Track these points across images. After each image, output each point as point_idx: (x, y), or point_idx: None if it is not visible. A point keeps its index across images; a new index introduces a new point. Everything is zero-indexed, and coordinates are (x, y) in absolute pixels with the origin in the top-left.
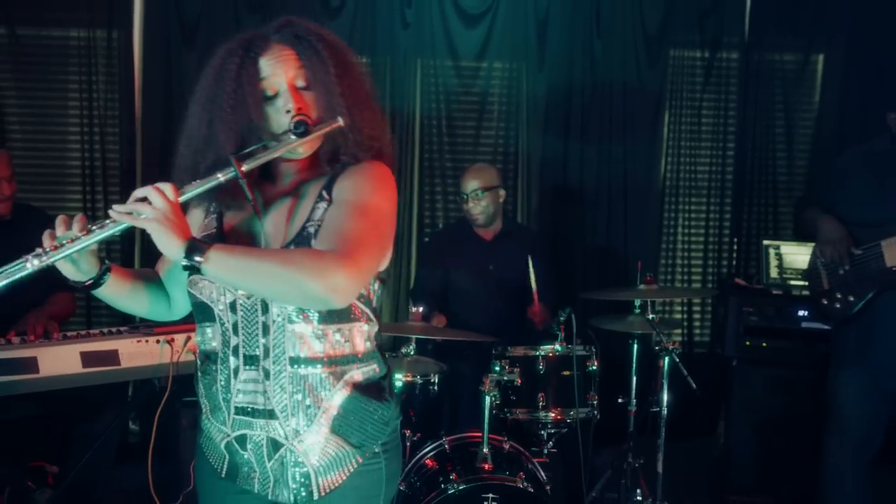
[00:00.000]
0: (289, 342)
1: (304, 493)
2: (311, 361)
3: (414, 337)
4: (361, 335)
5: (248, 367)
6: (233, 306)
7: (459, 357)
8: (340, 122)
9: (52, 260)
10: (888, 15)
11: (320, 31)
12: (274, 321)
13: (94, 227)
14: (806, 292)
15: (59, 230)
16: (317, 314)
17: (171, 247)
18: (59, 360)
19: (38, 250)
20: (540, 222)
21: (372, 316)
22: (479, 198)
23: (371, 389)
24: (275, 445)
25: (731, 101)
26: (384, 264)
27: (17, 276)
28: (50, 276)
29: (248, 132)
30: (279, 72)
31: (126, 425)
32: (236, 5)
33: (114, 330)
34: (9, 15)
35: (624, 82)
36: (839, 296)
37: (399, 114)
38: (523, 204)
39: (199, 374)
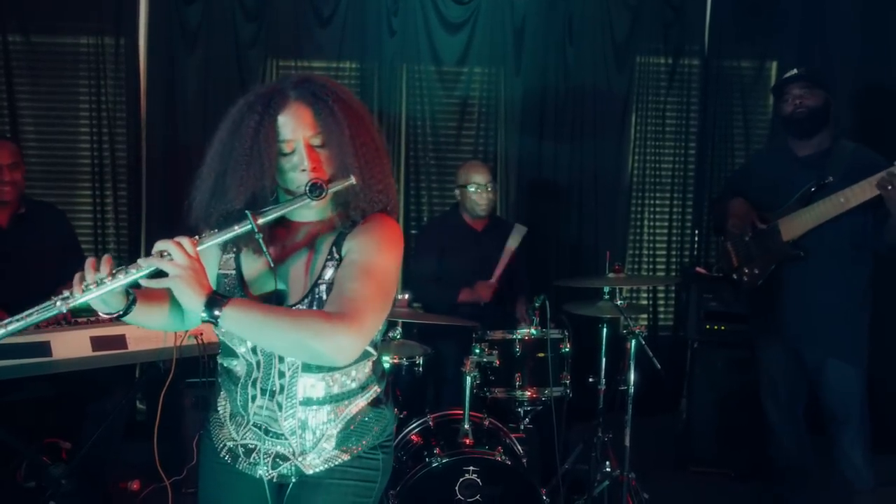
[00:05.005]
0: (300, 387)
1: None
2: (320, 401)
3: (400, 321)
4: (363, 369)
5: (264, 398)
6: (254, 350)
7: (443, 340)
8: (353, 180)
9: (77, 302)
10: (833, 27)
11: (336, 90)
12: (289, 368)
13: (118, 273)
14: None
15: (89, 275)
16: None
17: (191, 302)
18: (71, 344)
19: (66, 293)
20: (517, 216)
21: (373, 350)
22: (488, 190)
23: (372, 406)
24: (281, 458)
25: (693, 104)
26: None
27: (46, 315)
28: (64, 273)
29: (260, 188)
30: (297, 130)
31: (133, 405)
32: (234, 15)
33: None
34: (24, 24)
35: (594, 86)
36: (746, 270)
37: (386, 116)
38: (502, 199)
39: (220, 379)
